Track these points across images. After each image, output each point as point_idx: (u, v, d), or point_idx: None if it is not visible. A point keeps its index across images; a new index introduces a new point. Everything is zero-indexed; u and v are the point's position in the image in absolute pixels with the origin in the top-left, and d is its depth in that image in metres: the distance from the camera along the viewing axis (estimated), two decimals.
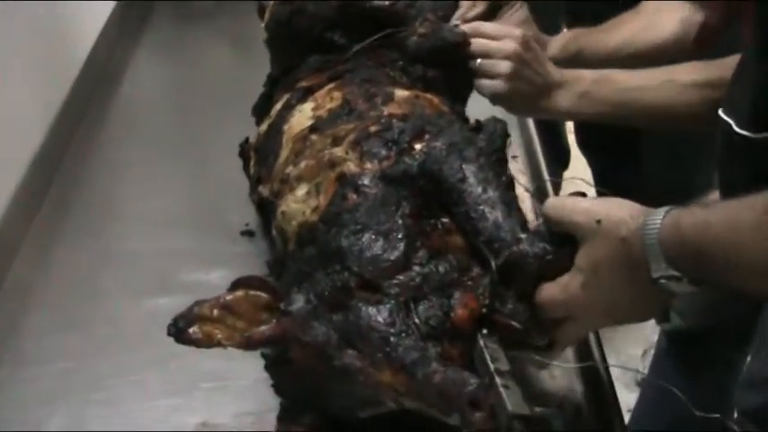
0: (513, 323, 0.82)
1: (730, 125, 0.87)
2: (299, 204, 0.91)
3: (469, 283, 0.84)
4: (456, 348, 0.80)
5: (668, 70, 1.13)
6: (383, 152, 0.91)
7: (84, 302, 1.14)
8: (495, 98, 1.14)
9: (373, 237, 0.83)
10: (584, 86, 1.14)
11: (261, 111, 1.25)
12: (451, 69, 1.14)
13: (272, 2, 1.30)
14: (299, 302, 0.80)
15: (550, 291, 0.82)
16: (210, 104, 1.64)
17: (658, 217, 0.77)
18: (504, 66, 1.10)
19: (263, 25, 1.33)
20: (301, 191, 0.92)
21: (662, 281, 0.75)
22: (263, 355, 0.85)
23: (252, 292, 0.80)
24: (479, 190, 0.87)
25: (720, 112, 0.91)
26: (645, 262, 0.76)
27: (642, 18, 1.28)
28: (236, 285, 0.80)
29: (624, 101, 1.13)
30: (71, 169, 1.44)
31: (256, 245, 1.21)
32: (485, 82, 1.12)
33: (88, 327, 1.09)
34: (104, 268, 1.20)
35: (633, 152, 1.68)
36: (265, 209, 1.06)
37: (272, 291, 0.80)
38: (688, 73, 1.11)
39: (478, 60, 1.12)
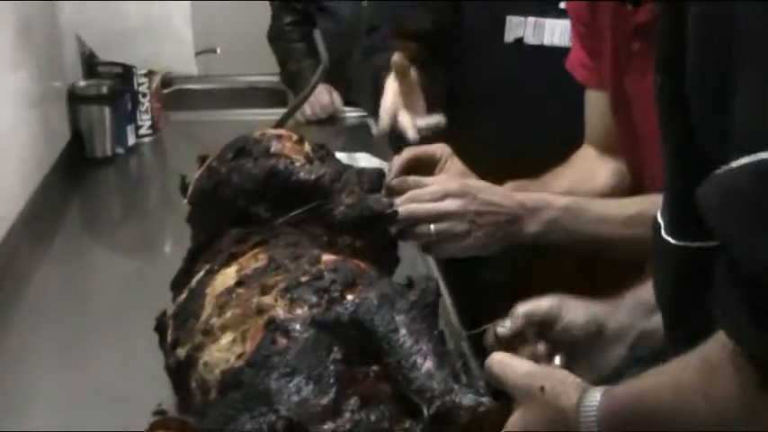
0: None
1: (659, 228, 0.87)
2: (222, 353, 0.87)
3: None
4: None
5: (641, 201, 1.12)
6: (314, 299, 0.89)
7: None
8: (463, 253, 1.13)
9: (303, 381, 0.80)
10: (554, 213, 1.14)
11: (179, 283, 1.21)
12: (378, 239, 1.15)
13: (195, 175, 1.30)
14: None
15: None
16: (117, 300, 1.58)
17: (595, 395, 0.78)
18: (460, 226, 1.11)
19: (185, 201, 1.32)
20: (226, 339, 0.88)
21: None
22: None
23: None
24: (411, 341, 0.86)
25: (657, 214, 0.91)
26: None
27: (577, 169, 1.32)
28: (155, 426, 0.75)
29: (595, 232, 1.13)
30: None
31: None
32: (448, 246, 1.12)
33: None
34: None
35: None
36: (182, 371, 1.00)
37: None
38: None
39: (432, 228, 1.12)
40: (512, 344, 1.04)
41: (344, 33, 2.43)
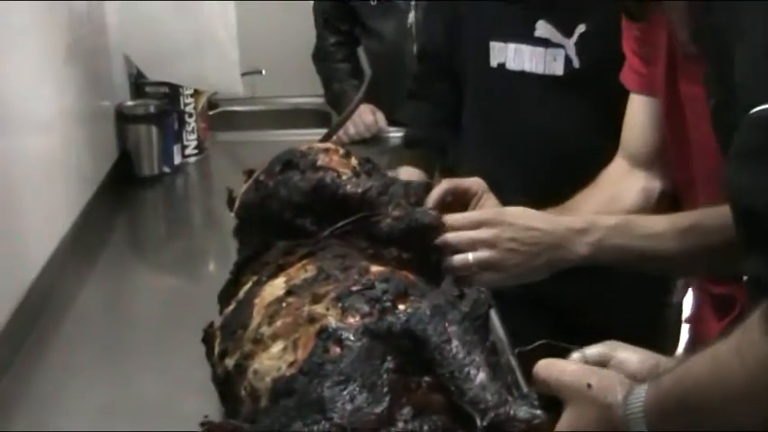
0: None
1: None
2: (273, 361, 0.87)
3: None
4: None
5: (691, 215, 1.11)
6: (366, 308, 0.88)
7: None
8: (510, 281, 1.12)
9: (357, 389, 0.79)
10: (600, 234, 1.12)
11: (227, 294, 1.20)
12: (424, 252, 1.14)
13: (242, 189, 1.30)
14: None
15: None
16: (162, 316, 1.58)
17: (643, 387, 0.79)
18: (498, 254, 1.10)
19: (232, 214, 1.32)
20: (277, 348, 0.88)
21: None
22: None
23: None
24: (464, 351, 0.85)
25: None
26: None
27: (605, 191, 1.31)
28: (207, 428, 0.74)
29: (646, 249, 1.11)
30: (25, 362, 1.36)
31: None
32: (491, 276, 1.12)
33: None
34: None
35: None
36: (230, 381, 0.99)
37: None
38: (714, 217, 1.06)
39: (470, 257, 1.11)
40: None
41: (389, 53, 2.44)
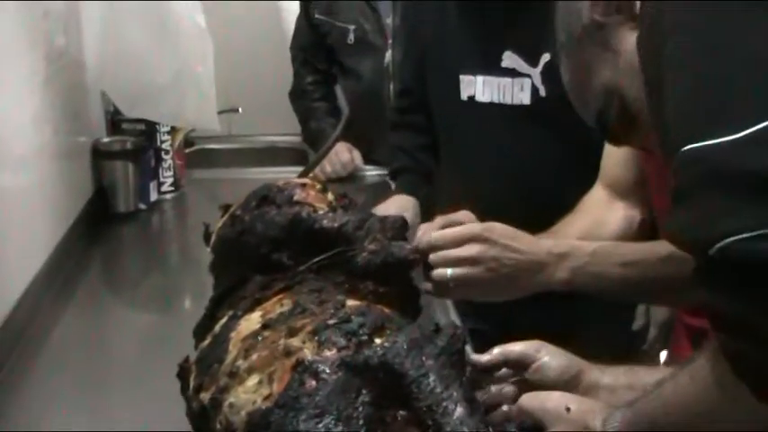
0: None
1: None
2: (248, 394, 0.86)
3: None
4: None
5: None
6: (342, 342, 0.88)
7: None
8: (482, 297, 1.13)
9: (332, 422, 0.78)
10: (582, 260, 1.13)
11: (202, 329, 1.20)
12: (401, 286, 1.14)
13: (218, 224, 1.30)
14: None
15: None
16: (137, 353, 1.57)
17: (621, 411, 0.83)
18: (477, 272, 1.10)
19: (208, 249, 1.32)
20: (252, 381, 0.87)
21: None
22: None
23: None
24: (442, 386, 0.85)
25: None
26: None
27: (588, 217, 1.33)
28: None
29: (625, 276, 1.12)
30: None
31: None
32: (465, 291, 1.13)
33: None
34: None
35: None
36: (205, 415, 0.98)
37: None
38: None
39: (448, 272, 1.11)
40: (483, 375, 1.04)
41: (366, 93, 2.46)
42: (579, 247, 1.15)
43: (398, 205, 1.78)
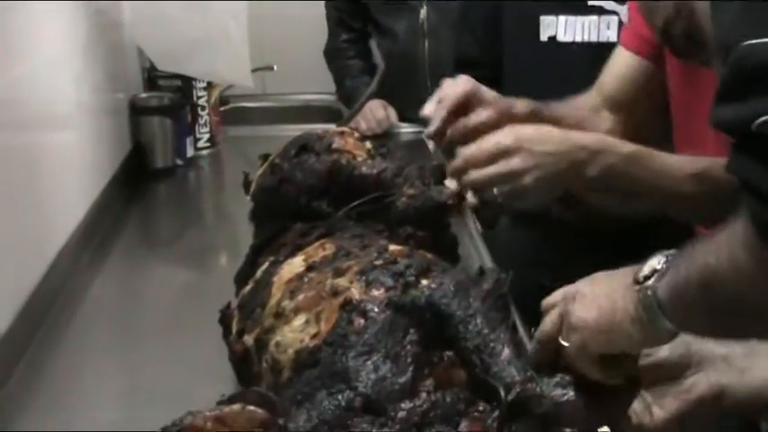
0: None
1: None
2: (295, 333, 0.86)
3: (476, 414, 0.78)
4: None
5: (700, 162, 1.09)
6: (390, 282, 0.88)
7: None
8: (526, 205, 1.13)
9: (381, 359, 0.79)
10: (615, 159, 1.09)
11: (243, 276, 1.20)
12: (439, 232, 1.13)
13: (258, 172, 1.30)
14: (299, 420, 0.73)
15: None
16: (174, 309, 1.57)
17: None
18: (522, 182, 1.07)
19: (248, 198, 1.32)
20: (299, 321, 0.88)
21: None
22: None
23: (249, 407, 0.73)
24: (489, 327, 0.85)
25: None
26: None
27: (578, 113, 1.32)
28: (232, 399, 0.73)
29: (659, 185, 1.09)
30: (39, 352, 1.35)
31: None
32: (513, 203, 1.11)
33: None
34: None
35: None
36: (249, 358, 0.99)
37: (270, 407, 0.73)
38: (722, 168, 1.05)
39: (495, 190, 1.09)
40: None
41: (401, 51, 2.44)
42: (615, 145, 1.10)
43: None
